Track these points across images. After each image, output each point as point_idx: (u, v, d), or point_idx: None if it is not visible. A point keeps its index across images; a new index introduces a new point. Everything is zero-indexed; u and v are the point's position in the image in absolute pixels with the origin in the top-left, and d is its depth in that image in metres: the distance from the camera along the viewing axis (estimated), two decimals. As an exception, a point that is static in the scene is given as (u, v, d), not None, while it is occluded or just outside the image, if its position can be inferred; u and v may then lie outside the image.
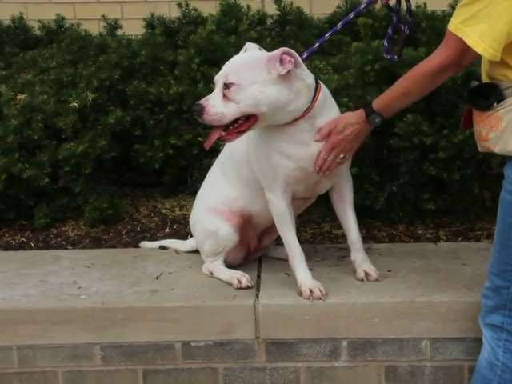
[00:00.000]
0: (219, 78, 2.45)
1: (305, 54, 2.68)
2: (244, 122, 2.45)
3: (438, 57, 2.24)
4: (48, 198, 3.35)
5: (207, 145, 2.49)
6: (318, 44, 2.72)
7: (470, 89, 2.31)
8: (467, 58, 2.20)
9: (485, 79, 2.28)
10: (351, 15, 2.75)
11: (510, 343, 2.27)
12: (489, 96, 2.18)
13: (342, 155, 2.52)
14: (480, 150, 2.33)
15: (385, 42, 2.74)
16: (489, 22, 2.08)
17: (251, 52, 2.56)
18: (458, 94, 3.08)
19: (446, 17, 3.51)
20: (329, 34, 2.74)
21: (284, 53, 2.42)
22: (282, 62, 2.41)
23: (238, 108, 2.42)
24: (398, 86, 2.39)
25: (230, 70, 2.45)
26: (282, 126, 2.51)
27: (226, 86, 2.42)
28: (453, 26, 2.16)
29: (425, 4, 3.63)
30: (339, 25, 2.73)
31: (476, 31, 2.10)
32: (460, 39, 2.14)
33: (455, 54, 2.18)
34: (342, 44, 3.45)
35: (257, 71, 2.42)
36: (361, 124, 2.47)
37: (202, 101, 2.44)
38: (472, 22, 2.10)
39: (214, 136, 2.47)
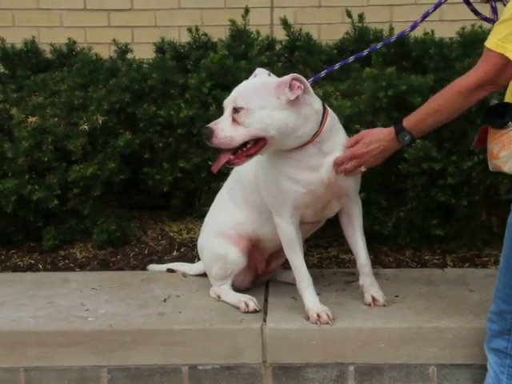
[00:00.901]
0: (228, 103, 2.48)
1: (310, 79, 2.69)
2: (253, 146, 2.48)
3: (476, 74, 2.22)
4: (57, 220, 3.37)
5: (215, 168, 2.51)
6: (324, 72, 2.75)
7: (488, 106, 2.31)
8: (505, 76, 2.18)
9: (508, 99, 2.28)
10: (365, 52, 2.77)
11: (514, 369, 2.27)
12: (504, 115, 2.20)
13: (362, 168, 2.53)
14: (490, 168, 2.34)
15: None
16: None
17: (260, 77, 2.58)
18: (468, 120, 3.10)
19: (453, 44, 3.53)
20: (338, 64, 2.75)
21: (294, 79, 2.45)
22: (291, 87, 2.44)
23: (248, 132, 2.44)
24: (432, 103, 2.37)
25: (240, 94, 2.47)
26: (290, 151, 2.52)
27: (236, 110, 2.44)
28: (492, 43, 2.16)
29: (432, 31, 3.66)
30: (351, 58, 2.75)
31: None
32: (500, 56, 2.13)
33: (493, 70, 2.17)
34: (350, 70, 3.48)
35: (266, 96, 2.44)
36: (388, 142, 2.47)
37: (211, 124, 2.47)
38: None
39: (223, 159, 2.49)
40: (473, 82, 2.22)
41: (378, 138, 2.49)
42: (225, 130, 2.44)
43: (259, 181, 2.65)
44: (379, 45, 2.73)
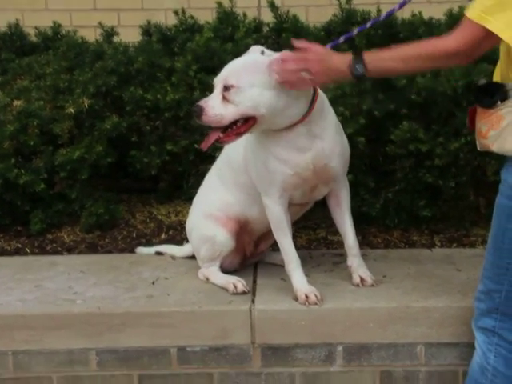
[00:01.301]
0: (219, 80, 2.47)
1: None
2: (242, 125, 2.46)
3: (455, 42, 2.13)
4: (44, 204, 3.35)
5: (205, 146, 2.50)
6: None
7: (477, 86, 2.29)
8: (481, 48, 2.13)
9: (496, 78, 2.26)
10: (355, 32, 2.70)
11: (501, 347, 2.27)
12: (493, 94, 2.18)
13: (305, 73, 2.36)
14: (478, 148, 2.33)
15: None
16: None
17: (253, 55, 2.56)
18: (456, 103, 3.10)
19: (441, 26, 3.53)
20: (329, 45, 2.66)
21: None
22: None
23: (237, 110, 2.43)
24: (401, 50, 2.27)
25: (230, 72, 2.46)
26: (279, 132, 2.52)
27: (226, 88, 2.43)
28: (474, 14, 2.08)
29: (420, 13, 3.65)
30: (341, 39, 2.65)
31: (501, 18, 2.04)
32: (481, 27, 2.07)
33: (472, 41, 2.10)
34: (338, 52, 3.46)
35: (257, 74, 2.43)
36: (341, 63, 2.33)
37: (201, 102, 2.45)
38: (496, 10, 2.05)
39: (213, 137, 2.48)
40: (450, 50, 2.14)
41: (333, 56, 2.39)
42: (215, 108, 2.42)
43: (248, 161, 2.65)
44: (368, 24, 2.70)
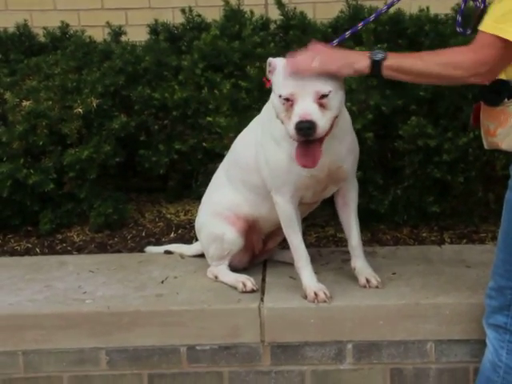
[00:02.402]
0: (307, 90, 2.32)
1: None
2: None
3: (472, 52, 2.11)
4: (53, 204, 3.36)
5: (314, 163, 2.39)
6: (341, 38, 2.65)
7: (482, 84, 2.26)
8: (504, 62, 2.10)
9: (501, 76, 2.22)
10: (359, 26, 2.68)
11: (513, 344, 2.27)
12: (500, 92, 2.17)
13: (317, 60, 2.31)
14: (486, 146, 2.31)
15: (458, 17, 2.56)
16: None
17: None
18: (462, 96, 3.09)
19: (448, 20, 3.51)
20: (336, 41, 2.64)
21: None
22: None
23: (331, 114, 2.36)
24: (422, 52, 2.27)
25: (319, 79, 2.34)
26: None
27: (323, 95, 2.34)
28: (487, 26, 2.08)
29: (428, 8, 3.64)
30: (347, 33, 2.63)
31: None
32: (495, 38, 2.05)
33: (490, 53, 2.07)
34: (345, 48, 3.46)
35: (335, 76, 2.37)
36: (358, 54, 2.34)
37: (304, 115, 2.30)
38: (508, 18, 2.04)
39: (318, 151, 2.38)
40: (472, 61, 2.12)
41: (347, 50, 2.39)
42: (321, 119, 2.33)
43: (259, 160, 2.62)
44: (372, 17, 2.69)
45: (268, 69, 2.47)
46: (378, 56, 2.25)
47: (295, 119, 2.32)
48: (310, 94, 2.33)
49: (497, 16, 2.07)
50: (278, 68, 2.41)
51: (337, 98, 2.37)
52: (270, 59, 2.46)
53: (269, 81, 2.54)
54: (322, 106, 2.34)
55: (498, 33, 2.06)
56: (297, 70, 2.34)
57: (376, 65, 2.25)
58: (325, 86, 2.33)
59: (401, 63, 2.24)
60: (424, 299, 2.56)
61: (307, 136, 2.32)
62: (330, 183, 2.61)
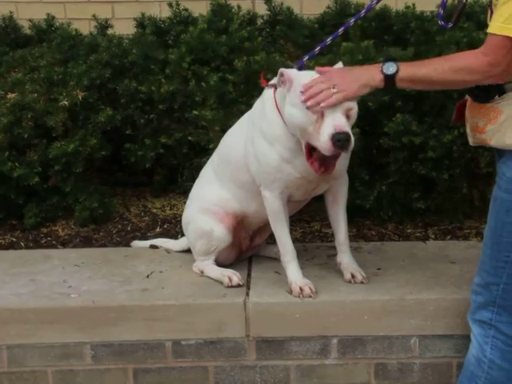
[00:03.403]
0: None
1: (305, 58, 2.62)
2: None
3: (482, 54, 2.12)
4: (38, 198, 3.34)
5: (331, 171, 2.43)
6: (318, 48, 2.63)
7: None
8: None
9: None
10: (352, 21, 2.64)
11: (497, 340, 2.29)
12: (489, 89, 2.18)
13: (333, 88, 2.29)
14: (472, 143, 2.32)
15: (440, 10, 2.54)
16: None
17: None
18: (447, 95, 3.10)
19: (434, 17, 3.53)
20: (330, 39, 2.62)
21: None
22: None
23: (351, 126, 2.38)
24: (433, 59, 2.26)
25: None
26: (293, 136, 2.48)
27: (349, 109, 2.34)
28: (494, 27, 2.08)
29: (413, 5, 3.65)
30: (340, 30, 2.62)
31: None
32: (504, 38, 2.06)
33: (501, 53, 2.08)
34: (332, 44, 3.46)
35: None
36: (371, 68, 2.29)
37: (340, 127, 2.30)
38: None
39: (335, 162, 2.41)
40: (479, 63, 2.12)
41: (356, 67, 2.38)
42: (350, 131, 2.34)
43: (249, 156, 2.61)
44: (362, 12, 2.69)
45: (280, 79, 2.42)
46: (390, 70, 2.23)
47: (330, 131, 2.30)
48: (339, 106, 2.32)
49: (505, 17, 2.07)
50: (296, 83, 2.37)
51: (356, 108, 2.38)
52: (283, 70, 2.41)
53: (266, 80, 2.54)
54: (348, 118, 2.35)
55: (507, 33, 2.07)
56: (316, 103, 2.31)
57: (389, 79, 2.24)
58: (352, 102, 2.35)
59: (414, 74, 2.22)
60: (408, 295, 2.58)
61: (343, 148, 2.32)
62: (322, 182, 2.62)
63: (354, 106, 2.36)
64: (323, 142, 2.32)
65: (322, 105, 2.30)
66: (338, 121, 2.31)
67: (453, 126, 3.02)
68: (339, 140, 2.29)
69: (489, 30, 2.13)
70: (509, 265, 2.22)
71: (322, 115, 2.32)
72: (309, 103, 2.32)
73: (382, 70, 2.24)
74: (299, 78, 2.39)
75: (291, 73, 2.41)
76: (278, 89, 2.48)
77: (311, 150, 2.40)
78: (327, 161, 2.40)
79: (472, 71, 2.14)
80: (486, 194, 2.38)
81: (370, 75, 2.27)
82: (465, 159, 3.14)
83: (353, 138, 2.32)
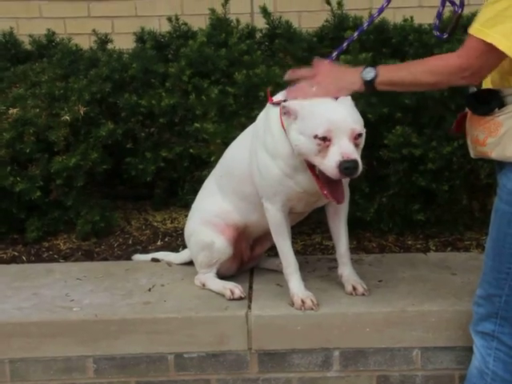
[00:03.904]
0: (344, 130, 2.34)
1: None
2: None
3: (457, 56, 2.16)
4: (40, 212, 3.35)
5: (343, 199, 2.47)
6: (336, 53, 2.68)
7: (468, 94, 2.29)
8: (489, 64, 2.13)
9: (486, 85, 2.27)
10: (355, 35, 2.70)
11: (500, 352, 2.29)
12: (489, 101, 2.19)
13: (314, 87, 2.41)
14: (473, 155, 2.34)
15: (436, 20, 2.63)
16: None
17: (344, 101, 2.46)
18: (446, 106, 3.12)
19: (431, 30, 3.55)
20: (335, 53, 2.64)
21: None
22: None
23: (359, 152, 2.40)
24: (409, 63, 2.35)
25: (353, 119, 2.39)
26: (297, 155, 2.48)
27: (359, 135, 2.37)
28: (473, 29, 2.11)
29: (411, 17, 3.68)
30: (345, 44, 2.67)
31: (499, 31, 2.06)
32: (481, 41, 2.08)
33: (475, 56, 2.11)
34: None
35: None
36: (352, 73, 2.37)
37: (348, 155, 2.31)
38: (494, 23, 2.07)
39: (343, 186, 2.46)
40: (453, 64, 2.17)
41: (343, 67, 2.47)
42: (358, 157, 2.36)
43: (253, 169, 2.61)
44: (365, 25, 2.71)
45: (283, 111, 2.44)
46: (369, 76, 2.31)
47: (337, 158, 2.32)
48: (346, 133, 2.35)
49: (483, 20, 2.10)
50: (302, 112, 2.39)
51: (364, 135, 2.41)
52: (285, 105, 2.43)
53: (271, 96, 2.56)
54: (356, 145, 2.37)
55: (482, 37, 2.09)
56: (296, 96, 2.41)
57: (369, 84, 2.32)
58: (359, 126, 2.38)
59: (391, 78, 2.31)
60: (410, 306, 2.58)
61: (350, 175, 2.35)
62: (323, 196, 2.62)
63: (362, 132, 2.38)
64: (330, 168, 2.34)
65: (299, 97, 2.39)
66: (345, 148, 2.33)
67: (452, 137, 3.04)
68: (347, 168, 2.31)
69: (469, 31, 2.15)
70: (511, 276, 2.22)
71: (328, 143, 2.34)
72: (289, 96, 2.43)
73: (360, 76, 2.32)
74: (300, 107, 2.40)
75: (294, 105, 2.42)
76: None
77: (316, 170, 2.42)
78: (336, 186, 2.42)
79: (444, 73, 2.19)
80: (486, 205, 2.39)
81: (351, 80, 2.36)
82: (464, 171, 3.16)
83: (361, 165, 2.34)
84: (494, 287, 2.27)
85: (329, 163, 2.34)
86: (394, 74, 2.31)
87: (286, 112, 2.44)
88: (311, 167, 2.44)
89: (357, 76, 2.33)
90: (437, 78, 2.22)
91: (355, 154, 2.34)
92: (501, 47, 2.07)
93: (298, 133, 2.40)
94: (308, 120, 2.38)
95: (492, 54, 2.10)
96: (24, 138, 3.27)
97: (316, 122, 2.36)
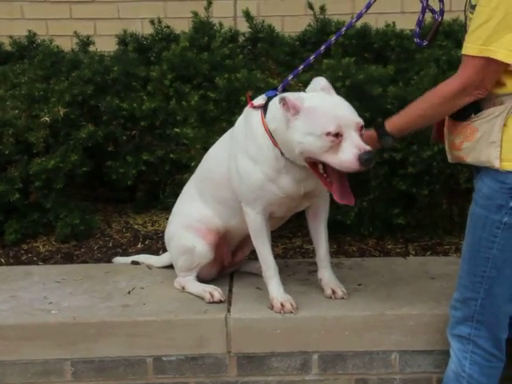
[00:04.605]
0: (351, 124, 2.37)
1: (290, 77, 2.66)
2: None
3: (458, 79, 2.19)
4: (19, 214, 3.33)
5: (353, 201, 2.46)
6: (302, 67, 2.68)
7: None
8: (490, 77, 2.15)
9: None
10: (333, 39, 2.68)
11: (476, 355, 2.31)
12: (466, 107, 2.21)
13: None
14: (450, 160, 2.36)
15: (416, 28, 2.64)
16: None
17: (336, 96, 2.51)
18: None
19: (413, 36, 3.56)
20: (313, 57, 2.67)
21: None
22: None
23: None
24: (415, 109, 2.35)
25: (354, 113, 2.42)
26: (282, 158, 2.49)
27: (362, 127, 2.39)
28: (474, 50, 2.13)
29: (394, 23, 3.70)
30: (322, 48, 2.67)
31: (502, 45, 2.09)
32: (482, 59, 2.11)
33: (476, 74, 2.14)
34: (314, 61, 3.48)
35: None
36: (370, 140, 2.42)
37: (363, 146, 2.33)
38: (495, 38, 2.09)
39: (348, 186, 2.46)
40: (456, 89, 2.19)
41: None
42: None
43: (232, 173, 2.61)
44: (343, 29, 2.72)
45: (282, 102, 2.41)
46: (389, 143, 2.43)
47: (354, 151, 2.32)
48: (353, 126, 2.37)
49: (483, 39, 2.11)
50: (303, 108, 2.39)
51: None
52: (286, 97, 2.41)
53: (252, 101, 2.56)
54: (361, 136, 2.39)
55: (488, 54, 2.11)
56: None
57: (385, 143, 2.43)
58: (360, 118, 2.41)
59: (406, 129, 2.42)
60: (389, 310, 2.59)
61: (368, 166, 2.36)
62: (304, 199, 2.63)
63: (362, 123, 2.40)
64: (348, 161, 2.33)
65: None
66: (357, 141, 2.35)
67: (429, 142, 3.06)
68: (367, 159, 2.33)
69: (465, 52, 2.17)
70: (485, 280, 2.24)
71: (340, 138, 2.34)
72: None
73: (381, 144, 2.43)
74: (304, 103, 2.39)
75: (296, 99, 2.41)
76: (277, 112, 2.45)
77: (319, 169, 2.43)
78: (343, 188, 2.43)
79: (450, 97, 2.21)
80: (465, 209, 2.39)
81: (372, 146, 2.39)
82: (444, 175, 3.17)
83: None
84: (469, 291, 2.28)
85: (346, 157, 2.33)
86: (405, 126, 2.38)
87: (285, 104, 2.41)
88: (313, 167, 2.44)
89: (377, 146, 2.42)
90: (447, 105, 2.24)
91: (367, 145, 2.36)
92: (499, 57, 2.10)
93: (302, 132, 2.38)
94: (313, 118, 2.37)
95: (491, 65, 2.13)
96: (3, 139, 3.25)
97: (323, 119, 2.36)
